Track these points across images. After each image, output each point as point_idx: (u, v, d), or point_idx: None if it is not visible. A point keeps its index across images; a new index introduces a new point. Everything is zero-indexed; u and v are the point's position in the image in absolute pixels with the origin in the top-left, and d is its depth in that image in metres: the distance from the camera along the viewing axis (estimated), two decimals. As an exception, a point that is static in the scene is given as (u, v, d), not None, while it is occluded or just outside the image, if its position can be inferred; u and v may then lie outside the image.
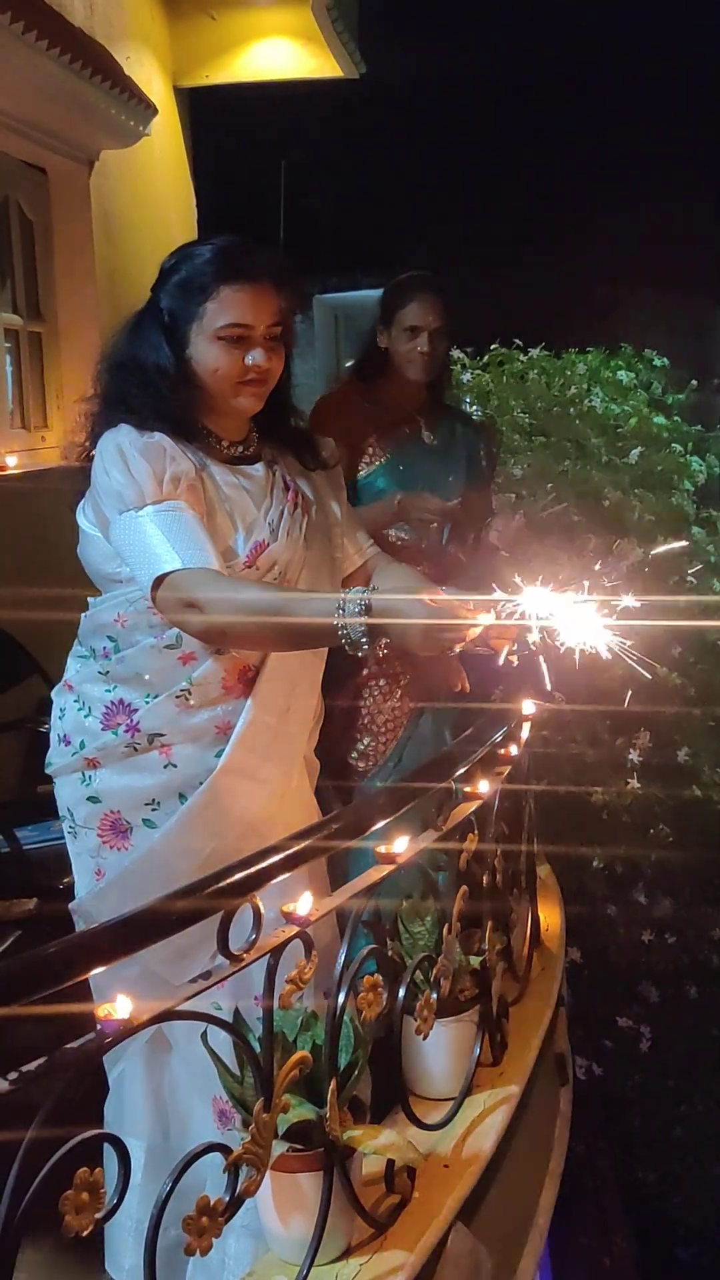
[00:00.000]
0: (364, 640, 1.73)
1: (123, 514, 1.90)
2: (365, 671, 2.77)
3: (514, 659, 2.46)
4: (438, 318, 2.92)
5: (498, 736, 2.26)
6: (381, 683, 2.80)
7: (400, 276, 3.02)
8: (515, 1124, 2.15)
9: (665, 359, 5.33)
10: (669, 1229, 4.82)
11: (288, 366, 2.06)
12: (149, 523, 1.87)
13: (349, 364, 3.27)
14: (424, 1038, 1.95)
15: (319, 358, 10.69)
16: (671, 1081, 4.50)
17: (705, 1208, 4.70)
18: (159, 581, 1.84)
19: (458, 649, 1.81)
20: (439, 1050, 2.10)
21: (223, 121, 7.07)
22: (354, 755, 2.80)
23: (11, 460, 4.54)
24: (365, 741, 2.81)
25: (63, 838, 2.17)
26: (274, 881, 1.52)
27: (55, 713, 2.09)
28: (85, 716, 2.03)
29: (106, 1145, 1.33)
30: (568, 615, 1.69)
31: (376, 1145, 1.67)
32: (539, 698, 2.36)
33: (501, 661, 1.94)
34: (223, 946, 1.45)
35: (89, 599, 2.07)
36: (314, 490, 2.14)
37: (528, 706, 2.37)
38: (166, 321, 1.97)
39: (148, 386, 1.97)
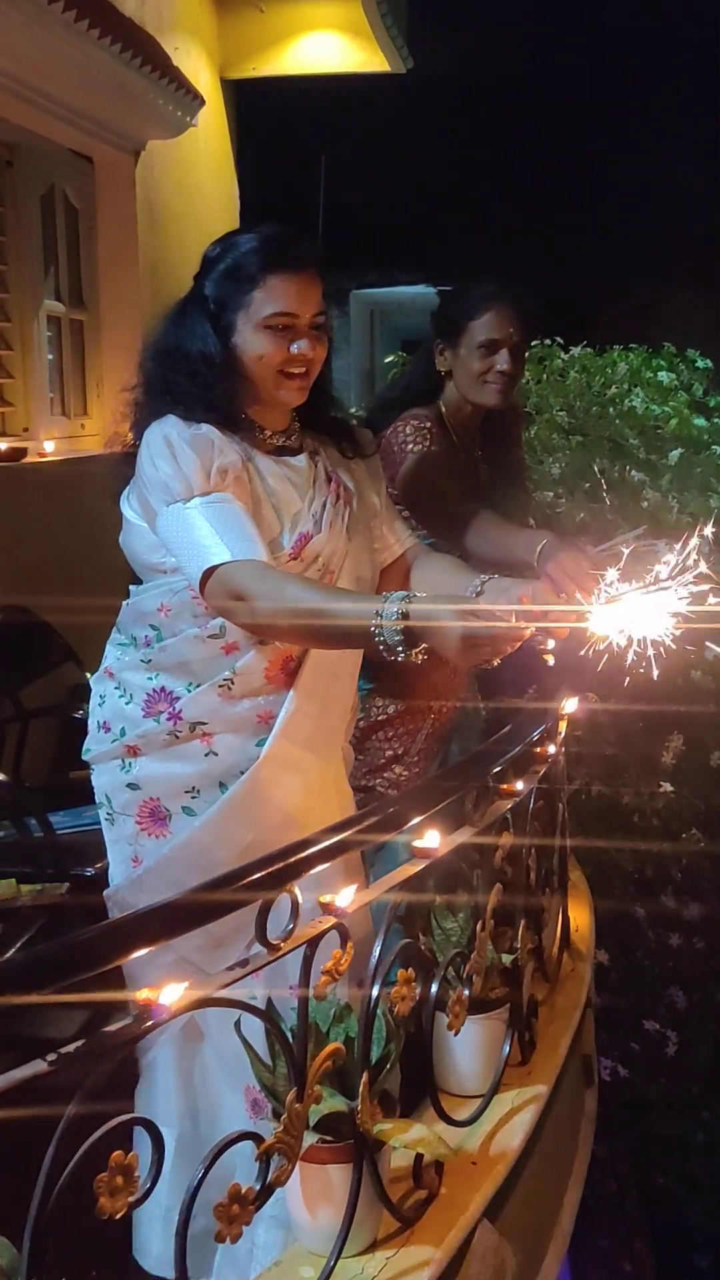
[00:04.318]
0: (400, 646, 1.71)
1: (170, 505, 1.89)
2: (392, 710, 2.64)
3: (549, 658, 2.45)
4: (519, 330, 2.54)
5: (535, 735, 2.25)
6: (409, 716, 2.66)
7: (466, 283, 2.61)
8: (542, 1124, 2.14)
9: (708, 360, 5.29)
10: (687, 1235, 4.80)
11: (328, 356, 2.05)
12: (197, 515, 1.87)
13: (389, 391, 2.88)
14: (455, 1034, 1.94)
15: (354, 353, 10.71)
16: (695, 1087, 4.48)
17: (724, 1215, 4.67)
18: (208, 574, 1.84)
19: (496, 661, 1.78)
20: (468, 1047, 2.09)
21: (268, 114, 7.07)
22: (382, 784, 2.67)
23: (50, 446, 4.57)
24: (396, 770, 2.68)
25: (95, 824, 2.17)
26: (311, 872, 1.52)
27: (95, 700, 2.10)
28: (126, 704, 2.03)
29: (138, 1131, 1.34)
30: (626, 612, 1.67)
31: (407, 1139, 1.67)
32: (580, 693, 2.31)
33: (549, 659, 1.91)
34: (260, 936, 1.45)
35: (130, 587, 2.08)
36: (354, 481, 2.13)
37: (568, 705, 2.36)
38: (212, 310, 1.97)
39: (194, 375, 1.96)
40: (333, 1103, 1.61)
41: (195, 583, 1.87)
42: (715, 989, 4.45)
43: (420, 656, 1.71)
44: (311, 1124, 1.56)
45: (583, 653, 1.74)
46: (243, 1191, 1.42)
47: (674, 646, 1.65)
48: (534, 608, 1.79)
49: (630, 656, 1.68)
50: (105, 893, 2.11)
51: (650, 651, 1.66)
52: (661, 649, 1.66)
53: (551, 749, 2.34)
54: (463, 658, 1.74)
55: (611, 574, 1.72)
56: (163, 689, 2.00)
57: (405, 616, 1.69)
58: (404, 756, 2.68)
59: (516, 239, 9.56)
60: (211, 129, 6.18)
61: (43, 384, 4.69)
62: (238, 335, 1.96)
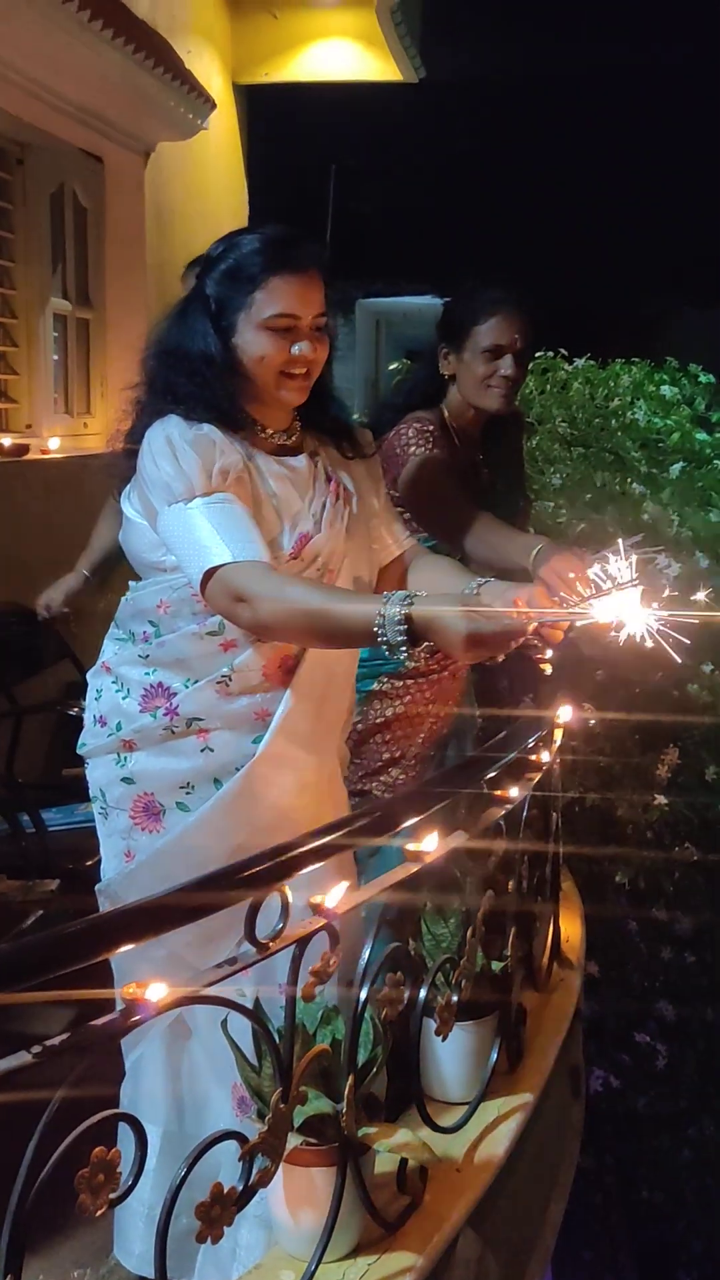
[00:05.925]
0: (403, 645, 1.72)
1: (171, 506, 1.89)
2: (390, 713, 2.62)
3: (547, 666, 2.45)
4: (524, 336, 2.56)
5: (530, 742, 2.25)
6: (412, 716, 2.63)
7: (472, 288, 2.62)
8: (528, 1133, 2.13)
9: (711, 375, 5.30)
10: (671, 1252, 4.77)
11: (330, 357, 2.05)
12: (199, 515, 1.87)
13: (393, 394, 2.87)
14: (443, 1039, 1.93)
15: (359, 362, 10.71)
16: (683, 1102, 4.46)
17: (709, 1233, 4.65)
18: (209, 574, 1.84)
19: (500, 658, 1.79)
20: (455, 1053, 2.08)
21: (279, 120, 7.10)
22: (378, 787, 2.66)
23: (53, 443, 4.57)
24: (393, 774, 2.67)
25: (87, 821, 2.17)
26: (303, 872, 1.51)
27: (91, 694, 2.09)
28: (123, 698, 2.03)
29: (122, 1127, 1.33)
30: (620, 611, 1.67)
31: (392, 1144, 1.66)
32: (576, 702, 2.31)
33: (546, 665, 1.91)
34: (249, 935, 1.45)
35: (130, 582, 2.07)
36: (354, 481, 2.14)
37: (563, 713, 2.36)
38: (214, 309, 1.96)
39: (194, 375, 1.96)
40: (318, 1105, 1.60)
41: (196, 583, 1.86)
42: (705, 1004, 4.43)
43: (422, 656, 1.72)
44: (296, 1125, 1.56)
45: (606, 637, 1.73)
46: (225, 1192, 1.41)
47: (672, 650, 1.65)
48: (529, 610, 1.79)
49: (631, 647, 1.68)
50: (97, 887, 2.10)
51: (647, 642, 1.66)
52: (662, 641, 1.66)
53: (546, 757, 2.33)
54: (467, 655, 1.75)
55: (606, 578, 1.73)
56: (160, 684, 2.00)
57: (408, 616, 1.70)
58: (400, 760, 2.67)
59: (523, 250, 9.59)
60: (222, 133, 6.20)
61: (47, 381, 4.69)
62: (239, 335, 1.95)
